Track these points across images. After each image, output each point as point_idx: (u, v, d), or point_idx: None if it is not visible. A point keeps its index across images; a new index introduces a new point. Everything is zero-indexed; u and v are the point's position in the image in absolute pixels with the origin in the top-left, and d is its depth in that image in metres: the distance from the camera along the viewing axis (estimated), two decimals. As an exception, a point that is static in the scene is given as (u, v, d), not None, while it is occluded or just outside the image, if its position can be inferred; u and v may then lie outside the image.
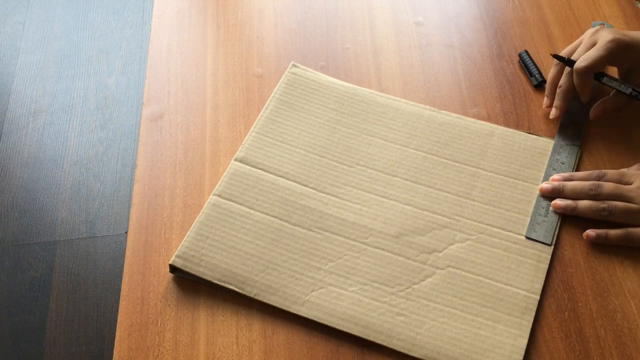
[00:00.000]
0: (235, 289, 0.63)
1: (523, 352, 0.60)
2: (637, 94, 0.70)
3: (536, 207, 0.67)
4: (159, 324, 0.63)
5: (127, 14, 1.91)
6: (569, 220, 0.67)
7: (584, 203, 0.66)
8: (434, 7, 0.86)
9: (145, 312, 0.64)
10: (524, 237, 0.66)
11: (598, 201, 0.66)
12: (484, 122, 0.74)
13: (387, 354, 0.60)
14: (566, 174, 0.69)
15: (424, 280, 0.63)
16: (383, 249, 0.65)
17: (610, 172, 0.68)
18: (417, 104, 0.75)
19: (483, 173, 0.70)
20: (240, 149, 0.72)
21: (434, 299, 0.62)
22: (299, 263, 0.65)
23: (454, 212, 0.67)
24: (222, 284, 0.64)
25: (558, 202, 0.67)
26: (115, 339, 0.62)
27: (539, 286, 0.63)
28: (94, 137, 1.67)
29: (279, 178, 0.70)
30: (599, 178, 0.67)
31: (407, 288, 0.63)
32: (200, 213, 0.68)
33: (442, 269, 0.64)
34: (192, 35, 0.84)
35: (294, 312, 0.62)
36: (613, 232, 0.65)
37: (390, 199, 0.68)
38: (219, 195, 0.69)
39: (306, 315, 0.62)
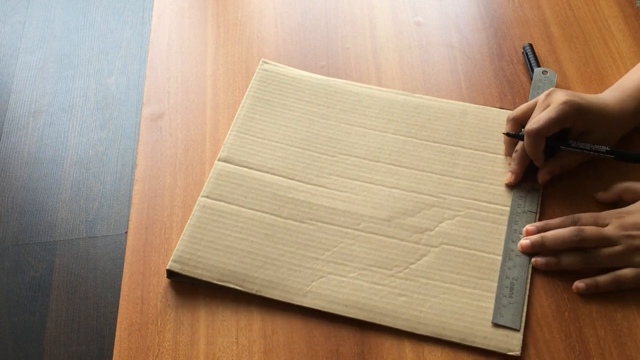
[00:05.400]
0: (237, 287, 0.63)
1: (524, 319, 0.61)
2: (611, 152, 0.67)
3: (500, 287, 0.63)
4: (159, 324, 0.63)
5: (127, 14, 1.91)
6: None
7: (567, 258, 0.63)
8: (434, 7, 0.86)
9: (145, 312, 0.64)
10: (510, 209, 0.67)
11: (580, 252, 0.63)
12: (456, 102, 0.75)
13: (387, 352, 0.60)
14: (540, 223, 0.65)
15: (420, 259, 0.65)
16: (376, 234, 0.66)
17: (584, 216, 0.65)
18: (390, 90, 0.76)
19: (463, 151, 0.71)
20: (222, 148, 0.72)
21: (432, 276, 0.64)
22: (296, 255, 0.65)
23: (440, 191, 0.69)
24: (222, 283, 0.64)
25: (539, 259, 0.64)
26: (115, 339, 0.62)
27: None
28: (94, 137, 1.67)
29: (264, 174, 0.70)
30: (574, 223, 0.64)
31: (405, 269, 0.64)
32: (191, 216, 0.68)
33: (436, 246, 0.65)
34: (192, 35, 0.84)
35: (297, 303, 0.62)
36: (602, 279, 0.62)
37: (376, 184, 0.69)
38: (207, 197, 0.69)
39: (309, 305, 0.62)
